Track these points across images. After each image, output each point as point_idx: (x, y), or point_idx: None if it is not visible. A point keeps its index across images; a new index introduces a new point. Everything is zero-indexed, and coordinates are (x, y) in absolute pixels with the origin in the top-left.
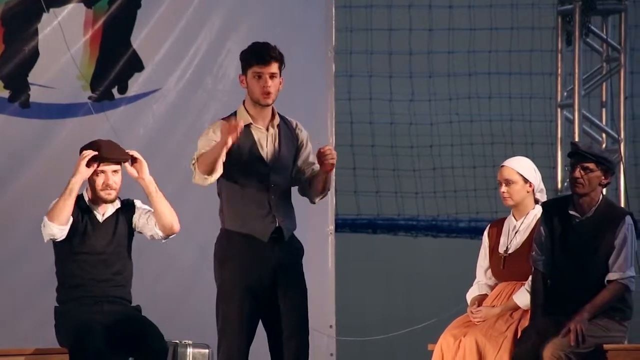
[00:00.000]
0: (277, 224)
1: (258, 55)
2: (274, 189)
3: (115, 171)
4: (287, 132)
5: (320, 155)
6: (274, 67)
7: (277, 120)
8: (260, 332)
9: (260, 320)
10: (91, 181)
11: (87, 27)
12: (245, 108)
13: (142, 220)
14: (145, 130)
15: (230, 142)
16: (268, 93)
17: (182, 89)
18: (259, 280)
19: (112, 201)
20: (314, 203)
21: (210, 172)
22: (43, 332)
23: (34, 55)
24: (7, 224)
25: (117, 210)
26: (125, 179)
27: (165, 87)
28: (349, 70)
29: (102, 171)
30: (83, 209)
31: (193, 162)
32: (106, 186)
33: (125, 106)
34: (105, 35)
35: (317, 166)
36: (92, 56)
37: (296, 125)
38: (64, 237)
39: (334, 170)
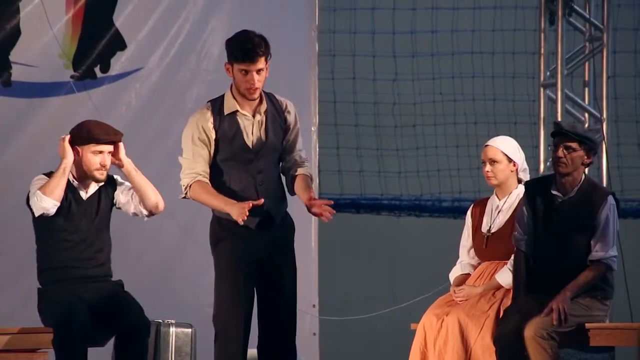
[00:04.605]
0: (266, 209)
1: (245, 54)
2: (261, 175)
3: (110, 152)
4: (274, 117)
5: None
6: (260, 63)
7: (264, 106)
8: None
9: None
10: (86, 160)
11: (69, 5)
12: (232, 94)
13: (125, 197)
14: (128, 109)
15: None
16: (256, 89)
17: (165, 68)
18: (253, 256)
19: (102, 181)
20: (290, 195)
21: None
22: (25, 311)
23: (16, 33)
24: None
25: (100, 187)
26: None
27: (148, 66)
28: (333, 50)
29: (101, 152)
30: (67, 187)
31: (185, 187)
32: (102, 167)
33: (108, 85)
34: (88, 13)
35: (302, 156)
36: (74, 35)
37: (286, 107)
38: (52, 214)
39: (317, 149)
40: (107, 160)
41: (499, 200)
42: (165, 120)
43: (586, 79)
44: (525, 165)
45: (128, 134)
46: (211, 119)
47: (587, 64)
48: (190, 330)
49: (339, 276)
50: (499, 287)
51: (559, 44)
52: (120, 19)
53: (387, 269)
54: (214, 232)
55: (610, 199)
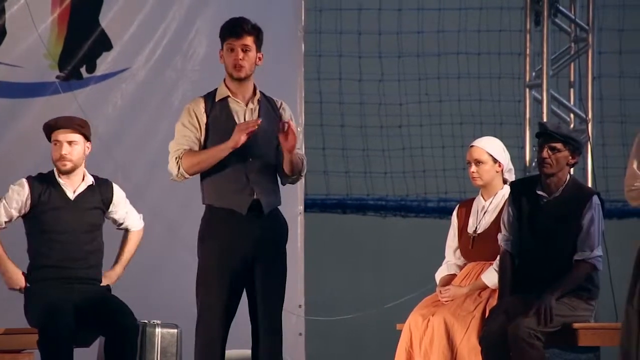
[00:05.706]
0: (255, 196)
1: (231, 29)
2: (252, 162)
3: (70, 142)
4: (268, 109)
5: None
6: (247, 40)
7: (257, 96)
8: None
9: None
10: (51, 154)
11: (54, 5)
12: (225, 84)
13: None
14: (114, 109)
15: (242, 141)
16: (240, 66)
17: (151, 68)
18: (240, 256)
19: (67, 172)
20: (282, 184)
21: (199, 172)
22: (9, 312)
23: (1, 33)
24: None
25: (89, 187)
26: (93, 160)
27: (134, 67)
28: (319, 50)
29: (58, 141)
30: (54, 186)
31: (176, 158)
32: (60, 157)
33: (94, 85)
34: (73, 13)
35: (297, 152)
36: (59, 35)
37: (281, 104)
38: None
39: (303, 150)
40: (66, 150)
41: (485, 200)
42: (151, 121)
43: (571, 79)
44: (511, 166)
45: (114, 134)
46: (203, 104)
47: (572, 64)
48: (175, 330)
49: (325, 276)
50: (484, 287)
51: (545, 45)
52: (106, 19)
53: (373, 269)
54: (202, 226)
55: (595, 199)
